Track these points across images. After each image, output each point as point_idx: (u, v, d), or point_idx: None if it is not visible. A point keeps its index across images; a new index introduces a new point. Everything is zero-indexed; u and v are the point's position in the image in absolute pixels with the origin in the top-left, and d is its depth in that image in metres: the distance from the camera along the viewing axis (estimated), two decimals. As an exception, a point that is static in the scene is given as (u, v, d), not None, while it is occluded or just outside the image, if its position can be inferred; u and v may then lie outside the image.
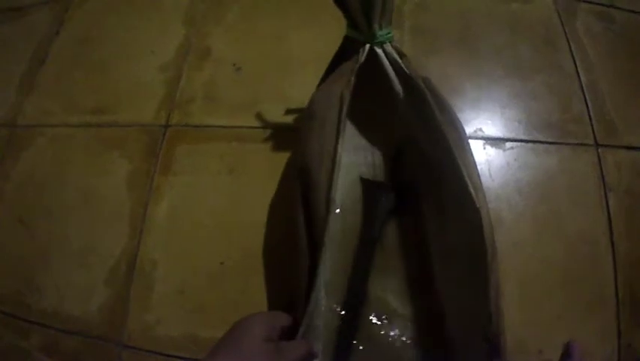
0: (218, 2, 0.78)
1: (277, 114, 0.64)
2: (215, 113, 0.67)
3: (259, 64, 0.71)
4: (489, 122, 0.63)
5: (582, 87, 0.65)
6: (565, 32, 0.70)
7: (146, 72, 0.72)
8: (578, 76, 0.66)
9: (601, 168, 0.59)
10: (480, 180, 0.41)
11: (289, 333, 0.35)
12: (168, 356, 0.52)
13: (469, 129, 0.62)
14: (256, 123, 0.64)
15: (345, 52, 0.46)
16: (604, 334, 0.50)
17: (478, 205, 0.38)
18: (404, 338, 0.45)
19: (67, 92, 0.74)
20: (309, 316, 0.36)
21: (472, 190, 0.38)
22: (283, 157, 0.60)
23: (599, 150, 0.60)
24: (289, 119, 0.63)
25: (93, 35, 0.79)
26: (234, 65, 0.71)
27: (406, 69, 0.43)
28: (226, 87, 0.69)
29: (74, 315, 0.56)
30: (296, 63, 0.69)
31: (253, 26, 0.75)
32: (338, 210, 0.50)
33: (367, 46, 0.43)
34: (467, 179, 0.39)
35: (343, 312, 0.46)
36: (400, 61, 0.44)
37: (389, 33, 0.43)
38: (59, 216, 0.62)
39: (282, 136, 0.62)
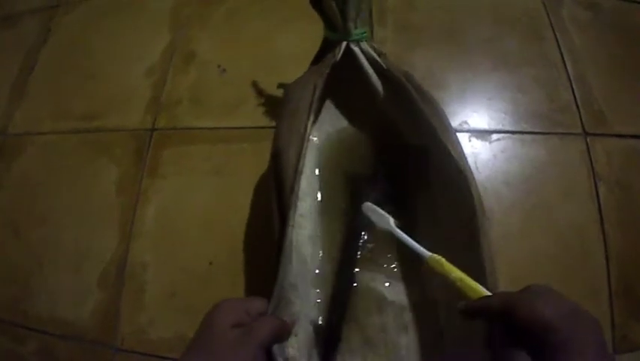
0: (203, 6, 0.79)
1: (262, 115, 0.64)
2: (201, 115, 0.67)
3: (244, 65, 0.71)
4: (474, 114, 0.63)
5: (569, 76, 0.64)
6: (550, 22, 0.69)
7: (132, 77, 0.73)
8: (565, 65, 0.65)
9: (590, 158, 0.58)
10: (467, 158, 0.41)
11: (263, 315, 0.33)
12: (161, 358, 0.53)
13: (454, 122, 0.62)
14: (241, 124, 0.65)
15: (325, 52, 0.47)
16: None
17: (464, 169, 0.38)
18: (397, 325, 0.44)
19: (56, 99, 0.75)
20: (279, 286, 0.34)
21: (459, 160, 0.39)
22: (268, 157, 0.60)
23: (588, 139, 0.60)
24: (273, 119, 0.63)
25: (80, 42, 0.80)
26: (219, 66, 0.71)
27: (384, 65, 0.44)
28: (211, 89, 0.70)
29: (68, 320, 0.57)
30: (280, 64, 0.69)
31: (237, 29, 0.75)
32: (312, 199, 0.50)
33: (344, 43, 0.44)
34: (452, 152, 0.39)
35: (333, 303, 0.45)
36: (377, 58, 0.45)
37: (364, 32, 0.44)
38: (51, 222, 0.63)
39: (267, 136, 0.62)
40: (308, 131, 0.40)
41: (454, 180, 0.40)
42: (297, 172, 0.38)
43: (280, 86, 0.62)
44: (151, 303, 0.56)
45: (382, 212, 0.39)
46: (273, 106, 0.64)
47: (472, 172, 0.40)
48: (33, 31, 0.84)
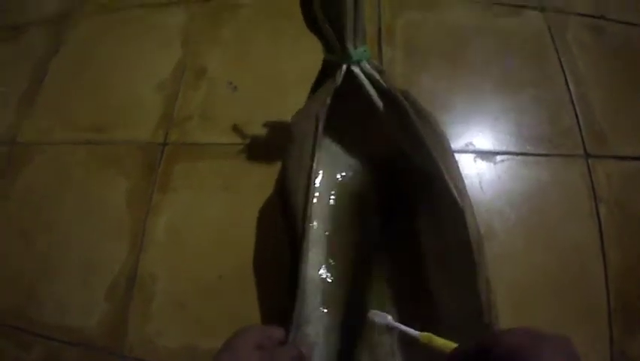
0: (214, 22, 0.80)
1: (271, 132, 0.65)
2: (211, 131, 0.68)
3: (254, 82, 0.72)
4: (480, 135, 0.64)
5: (572, 99, 0.66)
6: (555, 45, 0.71)
7: (143, 91, 0.74)
8: (568, 88, 0.67)
9: (591, 179, 0.60)
10: (464, 182, 0.42)
11: (282, 344, 0.36)
12: (169, 368, 0.53)
13: (460, 143, 0.63)
14: (250, 141, 0.66)
15: (325, 74, 0.47)
16: (596, 342, 0.51)
17: (460, 202, 0.39)
18: (402, 345, 0.45)
19: (65, 110, 0.75)
20: (295, 323, 0.37)
21: (453, 189, 0.39)
22: (276, 172, 0.60)
23: (589, 161, 0.61)
24: (281, 136, 0.64)
25: (91, 54, 0.81)
26: (230, 83, 0.72)
27: (384, 84, 0.44)
28: (222, 105, 0.70)
29: (76, 327, 0.57)
30: (290, 82, 0.71)
31: (248, 45, 0.76)
32: (322, 226, 0.51)
33: (344, 66, 0.44)
34: (448, 180, 0.40)
35: (343, 325, 0.46)
36: (378, 77, 0.45)
37: (365, 51, 0.44)
38: (60, 231, 0.64)
39: (276, 153, 0.63)
40: (314, 174, 0.41)
41: (450, 211, 0.40)
42: (305, 215, 0.39)
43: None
44: (159, 313, 0.56)
45: (382, 313, 0.43)
46: (282, 123, 0.65)
47: (468, 198, 0.41)
48: (43, 42, 0.84)
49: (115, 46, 0.81)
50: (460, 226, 0.39)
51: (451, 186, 0.40)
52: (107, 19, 0.85)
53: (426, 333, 0.35)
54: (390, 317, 0.41)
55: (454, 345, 0.32)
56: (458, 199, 0.39)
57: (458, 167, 0.44)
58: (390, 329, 0.38)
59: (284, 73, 0.72)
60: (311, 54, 0.71)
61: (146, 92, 0.74)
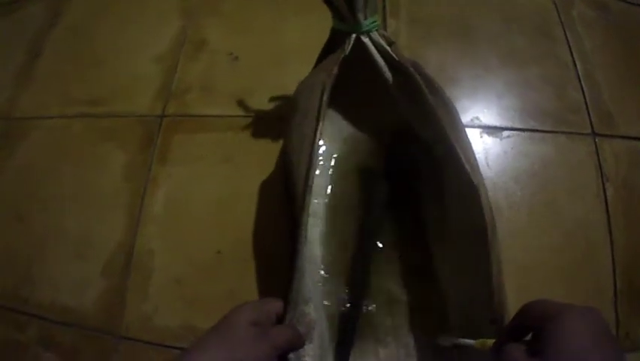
0: (214, -6, 0.78)
1: (273, 103, 0.64)
2: (212, 103, 0.67)
3: (255, 54, 0.71)
4: (485, 110, 0.63)
5: (578, 76, 0.65)
6: (561, 21, 0.70)
7: (141, 63, 0.72)
8: (575, 65, 0.66)
9: (598, 158, 0.59)
10: (476, 159, 0.41)
11: (280, 319, 0.35)
12: (166, 346, 0.52)
13: (466, 118, 0.62)
14: (251, 113, 0.64)
15: (333, 43, 0.46)
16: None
17: (475, 182, 0.38)
18: (408, 326, 0.45)
19: (62, 84, 0.74)
20: (294, 301, 0.36)
21: (468, 168, 0.38)
22: (278, 146, 0.60)
23: (596, 140, 0.60)
24: (283, 108, 0.63)
25: (88, 27, 0.79)
26: (231, 54, 0.71)
27: (394, 55, 0.43)
28: (222, 77, 0.69)
29: (71, 307, 0.56)
30: (292, 53, 0.69)
31: (249, 17, 0.75)
32: (324, 199, 0.50)
33: (353, 36, 0.43)
34: (462, 157, 0.39)
35: (345, 304, 0.46)
36: (388, 48, 0.44)
37: (374, 22, 0.43)
38: (56, 208, 0.62)
39: (277, 125, 0.62)
40: (317, 144, 0.39)
41: (463, 189, 0.39)
42: (306, 190, 0.37)
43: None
44: (157, 291, 0.55)
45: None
46: (283, 96, 0.64)
47: (481, 175, 0.40)
48: (40, 16, 0.82)
49: (112, 18, 0.80)
50: (474, 205, 0.38)
51: (465, 162, 0.39)
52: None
53: (480, 340, 0.34)
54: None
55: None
56: (472, 177, 0.38)
57: (470, 143, 0.43)
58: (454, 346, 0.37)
59: (285, 44, 0.71)
60: (314, 25, 0.70)
61: (144, 64, 0.72)
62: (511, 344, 0.26)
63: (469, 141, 0.43)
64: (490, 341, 0.32)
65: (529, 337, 0.28)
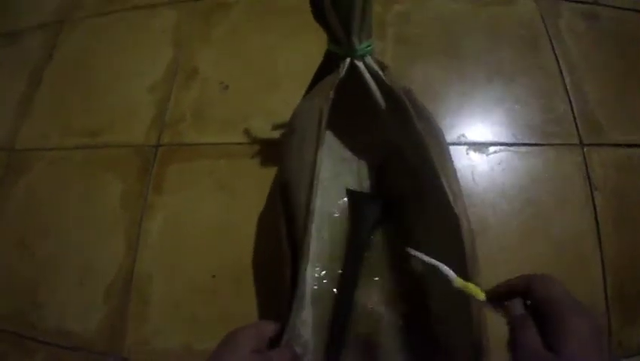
0: (204, 22, 0.80)
1: (264, 130, 0.65)
2: (204, 131, 0.68)
3: (245, 81, 0.72)
4: (472, 127, 0.63)
5: (565, 87, 0.65)
6: (547, 33, 0.70)
7: (137, 93, 0.74)
8: (562, 76, 0.66)
9: (586, 168, 0.59)
10: (460, 187, 0.42)
11: (277, 341, 0.36)
12: (167, 368, 0.54)
13: (452, 135, 0.63)
14: (244, 140, 0.66)
15: (327, 66, 0.46)
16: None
17: (456, 212, 0.38)
18: (395, 344, 0.46)
19: (62, 115, 0.76)
20: (292, 324, 0.36)
21: (450, 197, 0.39)
22: (271, 171, 0.62)
23: (584, 150, 0.60)
24: (276, 134, 0.64)
25: (85, 58, 0.81)
26: (221, 83, 0.72)
27: (387, 81, 0.44)
28: (214, 105, 0.71)
29: (76, 332, 0.58)
30: (282, 79, 0.70)
31: (238, 45, 0.76)
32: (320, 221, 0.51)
33: (348, 60, 0.43)
34: (446, 186, 0.39)
35: (332, 321, 0.47)
36: (381, 73, 0.44)
37: (369, 46, 0.43)
38: (58, 236, 0.65)
39: (270, 151, 0.64)
40: (318, 170, 0.39)
41: (442, 213, 0.40)
42: (308, 212, 0.38)
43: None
44: (156, 314, 0.57)
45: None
46: (276, 122, 0.65)
47: (463, 202, 0.40)
48: (38, 48, 0.85)
49: (107, 49, 0.82)
50: (455, 235, 0.38)
51: (447, 190, 0.39)
52: (100, 22, 0.86)
53: (460, 278, 0.33)
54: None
55: (482, 295, 0.32)
56: (454, 206, 0.38)
57: (455, 170, 0.43)
58: (425, 264, 0.35)
59: (275, 69, 0.72)
60: (302, 49, 0.71)
61: (140, 94, 0.74)
62: (527, 332, 0.26)
63: (454, 169, 0.43)
64: (471, 286, 0.31)
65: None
